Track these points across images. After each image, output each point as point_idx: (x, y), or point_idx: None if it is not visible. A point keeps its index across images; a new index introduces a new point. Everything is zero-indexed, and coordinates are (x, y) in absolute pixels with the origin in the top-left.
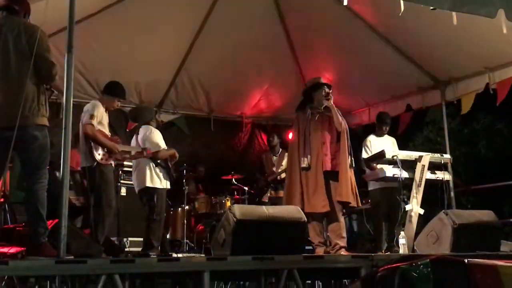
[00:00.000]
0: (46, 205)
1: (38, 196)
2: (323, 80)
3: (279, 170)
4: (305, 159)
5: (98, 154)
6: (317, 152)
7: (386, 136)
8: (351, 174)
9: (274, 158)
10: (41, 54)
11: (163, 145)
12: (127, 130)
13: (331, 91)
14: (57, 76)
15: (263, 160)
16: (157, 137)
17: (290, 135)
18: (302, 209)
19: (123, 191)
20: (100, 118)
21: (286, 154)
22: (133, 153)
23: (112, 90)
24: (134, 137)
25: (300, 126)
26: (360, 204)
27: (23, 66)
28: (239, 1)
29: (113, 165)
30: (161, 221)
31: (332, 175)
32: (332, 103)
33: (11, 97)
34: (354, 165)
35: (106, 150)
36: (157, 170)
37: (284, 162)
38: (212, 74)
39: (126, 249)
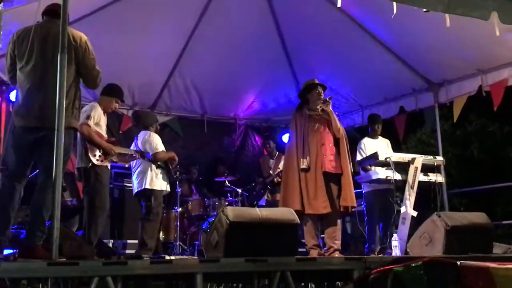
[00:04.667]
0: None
1: (46, 200)
2: (316, 81)
3: (276, 173)
4: (305, 160)
5: (94, 155)
6: (316, 153)
7: (380, 138)
8: None
9: (271, 161)
10: (88, 63)
11: (162, 147)
12: (120, 132)
13: (329, 98)
14: (100, 82)
15: (261, 164)
16: (156, 140)
17: (287, 137)
18: (302, 211)
19: (116, 193)
20: (97, 120)
21: (283, 156)
22: (129, 155)
23: (110, 91)
24: (134, 142)
25: (298, 128)
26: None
27: (68, 71)
28: (233, 3)
29: (108, 167)
30: (156, 222)
31: (331, 177)
32: (331, 109)
33: (50, 99)
34: (352, 170)
35: (101, 151)
36: (158, 172)
37: (281, 165)
38: (205, 75)
39: (118, 251)
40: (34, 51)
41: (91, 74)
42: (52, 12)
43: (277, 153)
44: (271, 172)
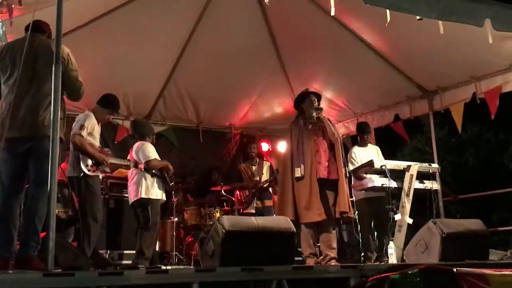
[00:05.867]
0: (44, 220)
1: (38, 210)
2: (309, 90)
3: (263, 180)
4: (299, 168)
5: (86, 166)
6: (310, 161)
7: (370, 145)
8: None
9: (254, 167)
10: (71, 75)
11: (154, 155)
12: (115, 142)
13: (320, 106)
14: (83, 94)
15: (242, 171)
16: (150, 149)
17: (283, 146)
18: (296, 220)
19: (112, 204)
20: (90, 129)
21: (265, 162)
22: (121, 165)
23: (105, 103)
24: (130, 152)
25: (293, 137)
26: (353, 214)
27: (51, 82)
28: (227, 12)
29: (100, 177)
30: (154, 231)
31: (326, 183)
32: (324, 115)
33: (35, 110)
34: (348, 175)
35: (94, 162)
36: (154, 181)
37: (265, 170)
38: (200, 85)
39: (114, 262)
40: (17, 64)
41: (74, 85)
42: (35, 27)
43: (258, 159)
44: (256, 179)
